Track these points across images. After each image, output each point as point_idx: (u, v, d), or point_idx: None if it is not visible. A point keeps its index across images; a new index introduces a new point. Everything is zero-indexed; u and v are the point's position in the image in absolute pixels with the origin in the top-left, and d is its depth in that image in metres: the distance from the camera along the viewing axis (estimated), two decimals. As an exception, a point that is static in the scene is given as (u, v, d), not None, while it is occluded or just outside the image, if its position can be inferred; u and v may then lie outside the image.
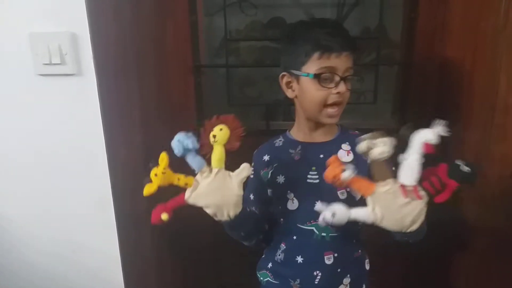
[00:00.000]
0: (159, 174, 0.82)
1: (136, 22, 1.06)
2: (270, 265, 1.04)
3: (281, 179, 0.98)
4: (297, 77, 0.93)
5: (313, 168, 0.96)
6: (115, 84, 1.05)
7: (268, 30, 1.35)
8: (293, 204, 0.97)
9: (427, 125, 0.76)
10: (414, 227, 0.77)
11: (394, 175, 0.75)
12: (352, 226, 0.95)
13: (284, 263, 1.00)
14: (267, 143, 1.05)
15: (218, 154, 0.83)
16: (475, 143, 1.06)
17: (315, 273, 0.96)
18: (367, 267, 1.04)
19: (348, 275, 0.98)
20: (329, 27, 0.91)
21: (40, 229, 1.18)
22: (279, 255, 1.01)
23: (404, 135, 1.12)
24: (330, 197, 0.93)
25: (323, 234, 0.96)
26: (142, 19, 1.08)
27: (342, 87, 0.88)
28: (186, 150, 0.81)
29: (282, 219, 1.00)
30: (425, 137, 0.72)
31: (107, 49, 1.02)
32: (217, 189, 0.83)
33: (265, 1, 1.32)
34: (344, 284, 0.98)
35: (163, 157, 0.83)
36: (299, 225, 0.97)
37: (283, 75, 0.97)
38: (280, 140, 1.04)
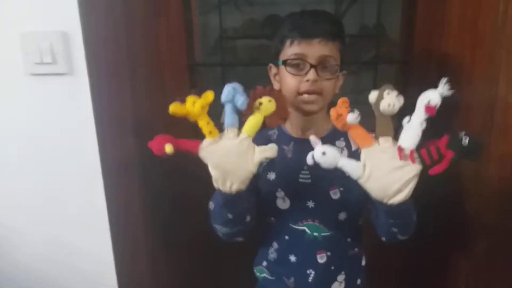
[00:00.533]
0: (197, 105, 0.78)
1: (128, 21, 1.04)
2: (264, 263, 1.04)
3: (271, 175, 0.96)
4: (278, 66, 0.93)
5: (305, 167, 0.93)
6: (108, 83, 1.03)
7: (264, 28, 1.33)
8: (284, 203, 0.95)
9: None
10: (398, 198, 0.74)
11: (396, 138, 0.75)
12: (347, 224, 0.96)
13: (277, 262, 1.00)
14: (262, 132, 0.96)
15: (255, 121, 0.79)
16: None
17: (308, 272, 0.96)
18: (363, 263, 1.03)
19: (343, 272, 0.98)
20: (308, 14, 0.89)
21: (33, 232, 1.16)
22: (271, 254, 1.01)
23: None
24: (322, 197, 0.93)
25: (315, 234, 0.95)
26: (135, 17, 1.06)
27: (311, 75, 0.86)
28: (231, 101, 0.78)
29: (272, 218, 0.99)
30: (427, 98, 0.72)
31: (99, 48, 1.01)
32: (236, 154, 0.79)
33: (261, -2, 1.30)
34: (338, 281, 0.98)
35: (209, 95, 0.79)
36: (291, 225, 0.96)
37: (270, 67, 0.97)
38: (274, 133, 1.01)
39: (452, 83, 1.11)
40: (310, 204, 0.94)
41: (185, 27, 1.15)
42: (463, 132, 0.72)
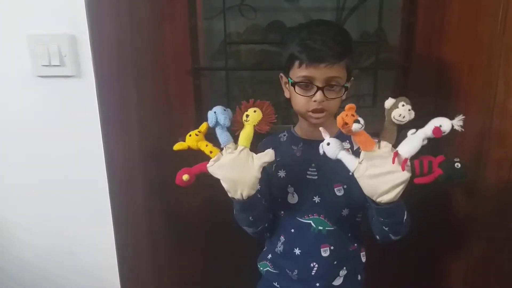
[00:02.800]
0: (193, 135, 0.91)
1: (135, 25, 1.06)
2: (270, 256, 1.09)
3: (282, 173, 1.02)
4: (288, 80, 0.96)
5: (313, 165, 1.00)
6: (114, 86, 1.05)
7: (267, 34, 1.35)
8: (293, 198, 1.01)
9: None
10: (385, 198, 0.79)
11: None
12: (349, 220, 1.01)
13: (283, 255, 1.04)
14: (273, 135, 1.09)
15: (247, 133, 0.89)
16: (473, 147, 1.06)
17: (312, 265, 1.01)
18: (363, 259, 1.07)
19: (345, 267, 1.02)
20: (317, 33, 0.92)
21: (36, 228, 1.17)
22: (279, 247, 1.05)
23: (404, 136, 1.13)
24: (327, 193, 0.99)
25: (320, 227, 1.00)
26: (141, 22, 1.08)
27: (318, 97, 0.91)
28: (218, 123, 0.88)
29: (282, 212, 1.04)
30: (441, 122, 0.76)
31: (106, 51, 1.02)
32: (238, 165, 0.88)
33: (265, 4, 1.32)
34: (340, 276, 1.02)
35: (204, 125, 0.92)
36: (298, 218, 1.01)
37: (281, 76, 1.01)
38: (284, 135, 1.08)
39: (451, 88, 1.14)
40: (316, 199, 0.99)
41: (190, 32, 1.17)
42: (458, 159, 0.78)
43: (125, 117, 1.09)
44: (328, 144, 0.84)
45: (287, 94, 1.01)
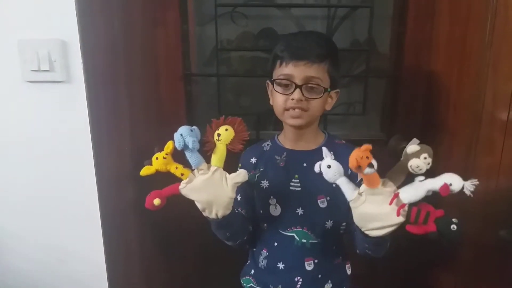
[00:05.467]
0: (160, 158, 0.85)
1: (126, 30, 1.06)
2: (252, 271, 1.07)
3: (265, 183, 1.00)
4: (271, 84, 0.97)
5: (296, 176, 0.98)
6: (104, 92, 1.04)
7: (259, 41, 1.36)
8: (276, 210, 1.00)
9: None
10: (374, 233, 0.79)
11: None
12: (333, 232, 0.99)
13: (266, 270, 1.03)
14: (256, 145, 1.08)
15: (219, 153, 0.86)
16: (461, 155, 1.07)
17: (296, 279, 0.99)
18: (349, 272, 1.06)
19: (330, 281, 1.01)
20: (300, 36, 0.96)
21: (26, 236, 1.15)
22: (262, 262, 1.04)
23: (392, 146, 1.15)
24: (310, 205, 0.98)
25: (303, 240, 0.98)
26: (132, 27, 1.08)
27: (295, 94, 0.91)
28: (186, 146, 0.83)
29: (265, 224, 1.02)
30: (453, 180, 0.72)
31: (97, 56, 1.02)
32: (211, 187, 0.85)
33: (256, 12, 1.33)
34: None
35: (169, 144, 0.86)
36: (281, 231, 1.00)
37: (268, 83, 1.01)
38: (268, 144, 1.06)
39: (440, 96, 1.16)
40: (300, 211, 0.98)
41: (181, 38, 1.17)
42: (457, 220, 0.75)
43: (116, 123, 1.08)
44: (329, 166, 0.80)
45: (271, 101, 1.01)
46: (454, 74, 1.11)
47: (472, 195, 0.71)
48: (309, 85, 0.91)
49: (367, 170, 0.74)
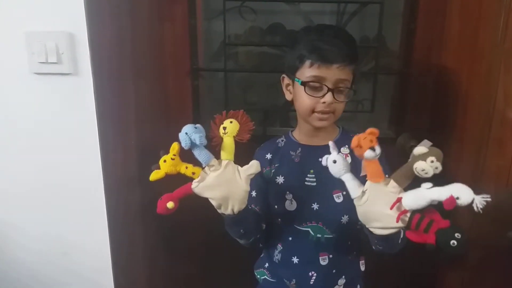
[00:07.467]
0: (168, 160, 0.83)
1: (134, 24, 1.05)
2: (267, 264, 1.07)
3: (280, 179, 1.00)
4: (293, 81, 0.95)
5: (311, 171, 0.98)
6: (112, 85, 1.04)
7: (267, 36, 1.35)
8: (291, 205, 0.99)
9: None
10: (377, 231, 0.77)
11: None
12: (349, 228, 0.98)
13: (281, 264, 1.03)
14: (270, 141, 1.07)
15: (228, 146, 0.84)
16: (471, 155, 1.06)
17: (310, 274, 0.99)
18: (362, 268, 1.06)
19: (343, 276, 1.01)
20: (328, 35, 0.92)
21: (31, 230, 1.16)
22: (276, 256, 1.04)
23: (401, 145, 1.13)
24: (326, 199, 0.97)
25: (318, 235, 0.98)
26: (140, 21, 1.08)
27: (328, 98, 0.90)
28: (194, 144, 0.82)
29: (280, 219, 1.02)
30: (459, 192, 0.68)
31: (104, 49, 1.01)
32: (225, 182, 0.83)
33: (265, 7, 1.32)
34: (338, 285, 1.01)
35: (174, 146, 0.84)
36: (296, 226, 1.00)
37: (283, 77, 1.00)
38: (282, 140, 1.06)
39: (449, 95, 1.14)
40: (315, 206, 0.97)
41: (189, 33, 1.17)
42: (460, 235, 0.70)
43: (122, 117, 1.08)
44: (335, 162, 0.79)
45: (288, 96, 1.00)
46: (465, 73, 1.09)
47: (481, 212, 0.66)
48: (340, 88, 0.90)
49: (368, 153, 0.72)
